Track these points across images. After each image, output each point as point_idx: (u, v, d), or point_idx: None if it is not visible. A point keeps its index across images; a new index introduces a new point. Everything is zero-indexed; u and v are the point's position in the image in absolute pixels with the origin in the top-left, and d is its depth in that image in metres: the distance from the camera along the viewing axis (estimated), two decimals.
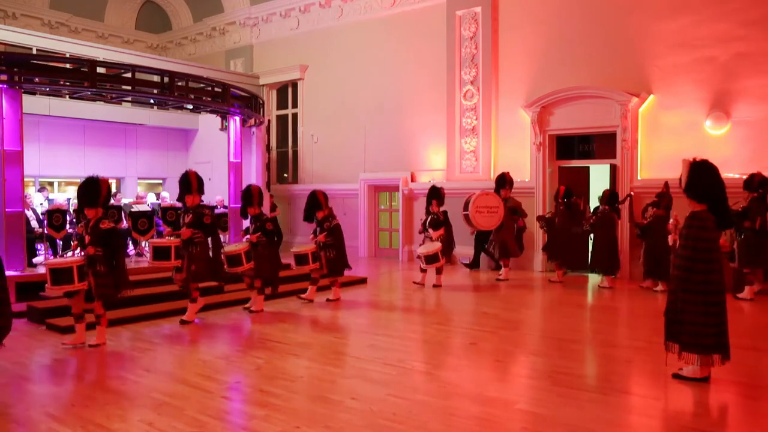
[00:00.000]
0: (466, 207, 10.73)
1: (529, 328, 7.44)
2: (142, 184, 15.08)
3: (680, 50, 10.52)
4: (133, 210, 10.83)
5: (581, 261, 10.63)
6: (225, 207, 12.24)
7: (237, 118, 11.45)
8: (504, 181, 11.14)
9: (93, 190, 6.11)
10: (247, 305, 8.13)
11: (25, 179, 9.61)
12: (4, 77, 8.56)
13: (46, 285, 6.08)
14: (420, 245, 10.29)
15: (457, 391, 4.81)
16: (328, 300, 8.70)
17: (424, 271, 9.98)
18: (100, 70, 9.65)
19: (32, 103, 10.89)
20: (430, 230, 10.01)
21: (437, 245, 9.73)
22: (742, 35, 9.96)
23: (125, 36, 18.76)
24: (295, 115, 16.50)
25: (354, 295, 9.37)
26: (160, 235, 10.50)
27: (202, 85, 10.90)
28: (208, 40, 18.47)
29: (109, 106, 12.84)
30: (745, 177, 8.96)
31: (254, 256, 7.88)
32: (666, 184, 9.58)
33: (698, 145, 9.76)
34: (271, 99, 16.91)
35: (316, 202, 8.61)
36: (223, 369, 5.48)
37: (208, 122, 14.15)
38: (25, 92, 8.98)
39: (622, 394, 4.78)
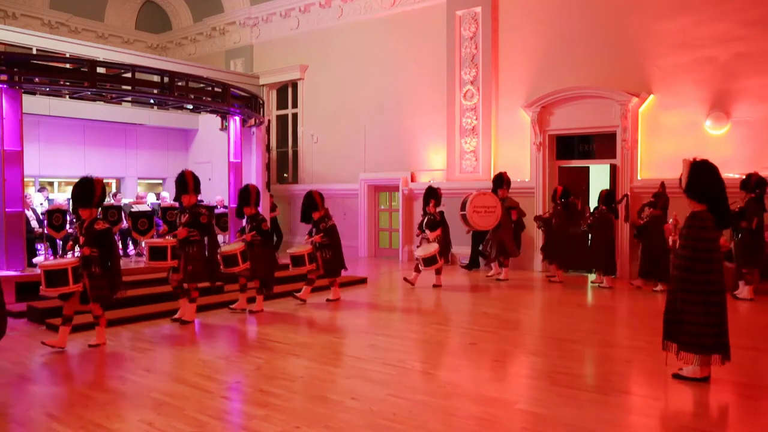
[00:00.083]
0: (463, 207, 10.72)
1: (529, 328, 7.44)
2: (142, 184, 15.08)
3: (680, 50, 10.52)
4: (133, 210, 10.84)
5: (579, 261, 10.63)
6: (225, 207, 12.24)
7: (237, 118, 11.45)
8: (501, 181, 11.12)
9: (87, 191, 6.05)
10: (233, 305, 8.07)
11: (25, 179, 9.61)
12: (4, 77, 8.57)
13: (41, 287, 5.98)
14: (417, 247, 10.28)
15: (457, 391, 4.81)
16: (328, 300, 8.70)
17: (418, 271, 9.97)
18: (100, 70, 9.65)
19: (32, 103, 10.89)
20: (427, 231, 9.99)
21: (434, 246, 9.70)
22: (742, 35, 9.96)
23: (125, 36, 18.76)
24: (295, 115, 16.50)
25: (354, 295, 9.37)
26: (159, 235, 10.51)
27: (202, 85, 10.90)
28: (208, 40, 18.47)
29: (109, 106, 12.84)
30: (744, 177, 8.97)
31: (250, 256, 7.85)
32: (662, 185, 9.59)
33: (698, 145, 9.76)
34: (271, 99, 16.91)
35: (312, 202, 8.59)
36: (223, 369, 5.48)
37: (208, 122, 14.15)
38: (25, 92, 8.99)
39: (622, 394, 4.78)
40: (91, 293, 6.00)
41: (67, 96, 10.52)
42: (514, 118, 12.38)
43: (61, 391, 4.97)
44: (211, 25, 18.01)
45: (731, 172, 9.29)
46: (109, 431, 4.03)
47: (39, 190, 12.33)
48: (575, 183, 12.37)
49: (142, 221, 10.67)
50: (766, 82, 9.85)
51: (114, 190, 13.81)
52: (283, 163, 16.87)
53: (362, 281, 10.60)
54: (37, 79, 8.98)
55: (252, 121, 12.04)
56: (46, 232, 10.02)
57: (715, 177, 4.98)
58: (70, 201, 6.39)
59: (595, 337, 6.70)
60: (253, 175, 12.24)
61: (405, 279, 10.18)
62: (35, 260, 9.65)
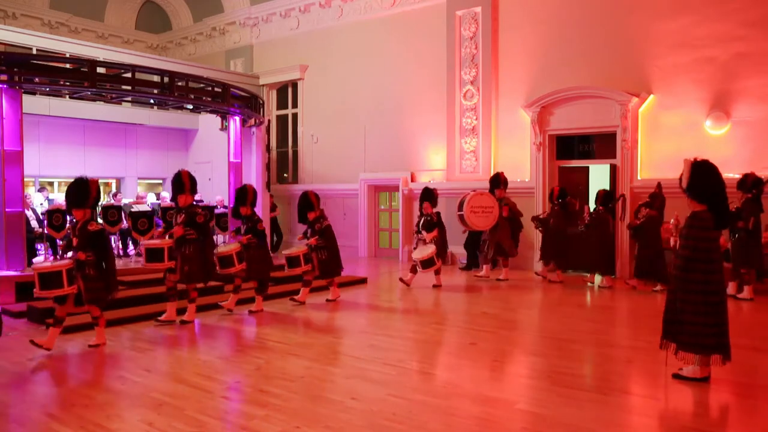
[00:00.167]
0: (460, 207, 10.68)
1: (529, 328, 7.44)
2: (142, 184, 15.09)
3: (680, 50, 10.52)
4: (133, 210, 10.84)
5: (577, 261, 10.60)
6: (225, 207, 12.24)
7: (237, 118, 11.46)
8: (498, 181, 11.07)
9: (82, 191, 5.99)
10: (222, 303, 7.96)
11: (25, 179, 9.61)
12: (4, 77, 8.57)
13: (34, 290, 5.87)
14: (414, 248, 10.25)
15: (457, 391, 4.81)
16: (327, 300, 8.69)
17: (414, 272, 9.93)
18: (100, 70, 9.66)
19: (32, 103, 10.89)
20: (424, 232, 9.94)
21: (431, 248, 9.65)
22: (742, 35, 9.96)
23: (125, 36, 18.76)
24: (295, 115, 16.50)
25: (354, 295, 9.37)
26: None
27: (202, 85, 10.90)
28: (208, 40, 18.47)
29: (109, 106, 12.84)
30: (741, 177, 8.97)
31: (246, 257, 7.81)
32: (659, 185, 9.60)
33: (698, 145, 9.76)
34: (271, 99, 16.91)
35: (308, 202, 8.52)
36: (223, 369, 5.48)
37: (208, 122, 14.15)
38: (25, 92, 8.99)
39: (622, 394, 4.78)
40: (86, 295, 5.93)
41: (67, 96, 10.52)
42: (514, 118, 12.38)
43: (61, 391, 4.97)
44: (211, 25, 18.01)
45: (731, 172, 9.28)
46: (109, 431, 4.03)
47: (39, 190, 12.34)
48: (575, 183, 12.38)
49: (142, 221, 10.67)
50: (766, 82, 9.85)
51: (114, 190, 13.82)
52: (283, 163, 16.87)
53: (362, 281, 10.60)
54: (37, 79, 8.98)
55: (252, 121, 12.05)
56: (46, 232, 10.02)
57: (716, 177, 4.99)
58: (65, 201, 6.32)
59: (595, 337, 6.70)
60: (253, 175, 12.25)
61: (401, 279, 10.17)
62: (35, 260, 9.66)
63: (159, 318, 7.23)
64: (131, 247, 11.77)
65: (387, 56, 14.29)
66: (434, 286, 9.95)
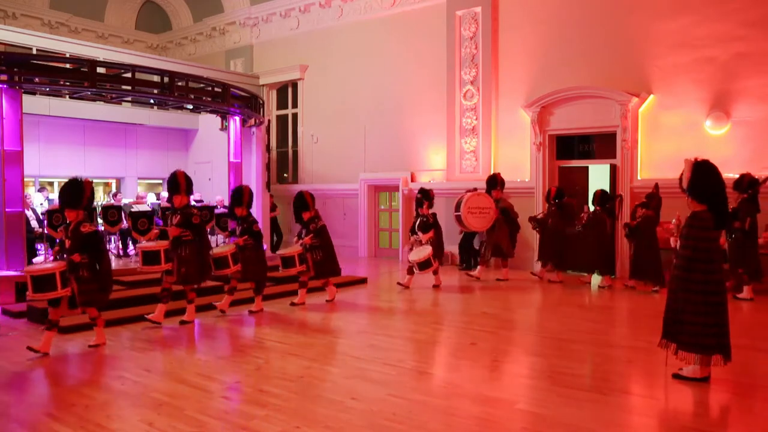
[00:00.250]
0: (457, 208, 10.65)
1: (529, 328, 7.44)
2: (142, 184, 15.09)
3: (680, 50, 10.52)
4: (133, 210, 10.84)
5: (575, 262, 10.58)
6: (225, 207, 12.23)
7: (237, 118, 11.46)
8: (495, 182, 11.01)
9: (76, 191, 5.92)
10: (216, 303, 7.92)
11: (25, 179, 9.62)
12: (4, 77, 8.57)
13: (27, 292, 5.75)
14: (409, 250, 10.22)
15: (457, 391, 4.81)
16: (327, 301, 8.69)
17: (411, 273, 9.93)
18: (100, 70, 9.65)
19: (32, 103, 10.89)
20: (420, 233, 9.91)
21: (428, 249, 9.61)
22: (742, 35, 9.96)
23: (125, 36, 18.76)
24: (295, 115, 16.50)
25: (354, 295, 9.37)
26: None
27: (202, 85, 10.90)
28: (208, 40, 18.48)
29: (109, 106, 12.85)
30: (737, 178, 8.97)
31: (241, 258, 7.78)
32: (656, 186, 9.61)
33: (698, 145, 9.76)
34: (271, 99, 16.91)
35: (303, 202, 8.46)
36: (223, 369, 5.48)
37: (208, 122, 14.15)
38: (25, 92, 8.99)
39: (622, 394, 4.77)
40: (80, 297, 5.85)
41: (67, 96, 10.52)
42: (514, 118, 12.38)
43: (61, 391, 4.97)
44: (211, 25, 18.02)
45: (731, 172, 9.28)
46: (109, 431, 4.03)
47: (39, 190, 12.33)
48: (575, 183, 12.38)
49: (142, 221, 10.66)
50: (766, 82, 9.85)
51: (114, 190, 13.83)
52: (283, 163, 16.88)
53: (362, 281, 10.60)
54: (37, 79, 8.98)
55: (252, 121, 12.05)
56: (46, 232, 10.01)
57: (717, 177, 5.00)
58: (58, 202, 6.24)
59: (595, 337, 6.70)
60: (253, 175, 12.25)
61: (399, 284, 10.13)
62: (35, 260, 9.66)
63: (148, 316, 7.16)
64: (131, 247, 11.76)
65: (387, 56, 14.29)
66: (434, 286, 9.95)
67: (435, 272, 9.91)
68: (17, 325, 7.19)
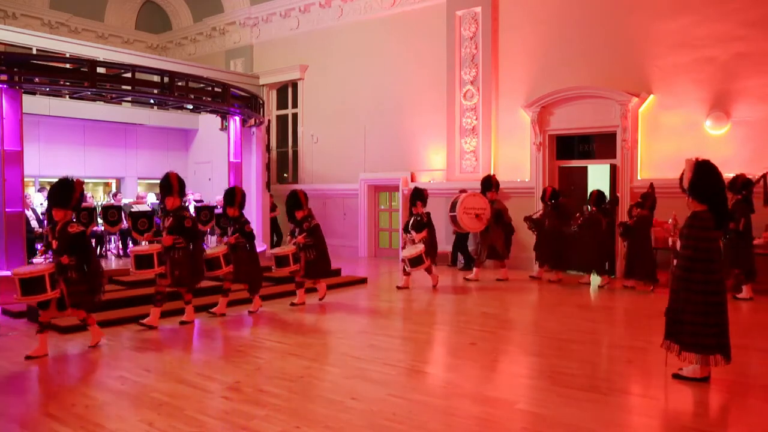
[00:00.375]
0: (453, 208, 10.64)
1: (528, 328, 7.43)
2: (142, 184, 15.08)
3: (680, 50, 10.52)
4: (133, 210, 10.84)
5: (572, 262, 10.58)
6: None
7: (237, 118, 11.46)
8: (490, 183, 10.98)
9: (65, 190, 5.85)
10: (213, 309, 7.89)
11: (25, 179, 9.61)
12: (4, 77, 8.57)
13: (15, 295, 5.64)
14: (402, 248, 10.20)
15: (457, 391, 4.81)
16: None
17: (408, 274, 9.90)
18: (100, 70, 9.65)
19: (32, 103, 10.89)
20: (413, 232, 9.87)
21: (420, 247, 9.57)
22: (742, 35, 9.96)
23: (125, 36, 18.77)
24: (295, 115, 16.50)
25: (354, 295, 9.37)
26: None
27: (202, 85, 10.90)
28: (208, 40, 18.48)
29: (109, 106, 12.85)
30: (731, 178, 8.97)
31: (233, 259, 7.75)
32: (651, 186, 9.62)
33: (698, 145, 9.76)
34: (271, 99, 16.91)
35: (296, 201, 8.43)
36: (223, 369, 5.47)
37: (208, 122, 14.15)
38: (25, 92, 8.99)
39: (622, 394, 4.78)
40: (70, 299, 5.78)
41: (67, 96, 10.52)
42: (514, 118, 12.38)
43: (61, 391, 4.97)
44: (211, 25, 18.02)
45: (731, 172, 9.29)
46: (109, 431, 4.03)
47: (39, 190, 12.33)
48: (575, 183, 12.39)
49: (142, 221, 10.66)
50: (766, 82, 9.85)
51: (114, 190, 13.82)
52: (283, 163, 16.87)
53: (362, 281, 10.60)
54: (37, 79, 8.98)
55: (252, 121, 12.05)
56: (45, 232, 10.01)
57: (717, 177, 5.01)
58: (47, 201, 6.17)
59: (595, 337, 6.71)
60: (252, 175, 12.26)
61: (398, 287, 10.06)
62: (35, 260, 9.65)
63: (141, 321, 7.09)
64: (131, 246, 11.75)
65: (387, 56, 14.29)
66: (433, 286, 9.94)
67: (428, 270, 9.84)
68: (17, 325, 7.20)
